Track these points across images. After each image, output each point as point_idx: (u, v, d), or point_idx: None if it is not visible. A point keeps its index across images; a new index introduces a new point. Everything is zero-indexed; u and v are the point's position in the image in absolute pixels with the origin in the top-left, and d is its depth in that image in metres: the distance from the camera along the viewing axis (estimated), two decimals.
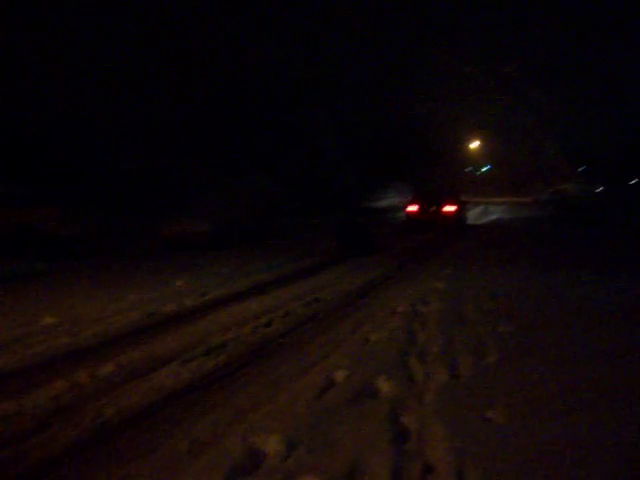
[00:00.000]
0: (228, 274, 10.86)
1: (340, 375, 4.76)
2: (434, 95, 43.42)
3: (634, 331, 5.86)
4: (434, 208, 21.53)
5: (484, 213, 32.38)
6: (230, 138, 28.04)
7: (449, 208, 21.45)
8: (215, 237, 15.13)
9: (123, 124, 23.72)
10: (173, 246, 15.00)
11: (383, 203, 35.00)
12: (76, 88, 21.05)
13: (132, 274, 10.92)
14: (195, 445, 3.61)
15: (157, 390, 4.71)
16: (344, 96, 34.19)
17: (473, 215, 28.93)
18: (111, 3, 22.11)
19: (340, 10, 33.28)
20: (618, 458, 3.15)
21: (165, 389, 4.74)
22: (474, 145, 58.76)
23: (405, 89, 40.60)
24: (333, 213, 26.55)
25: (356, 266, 11.96)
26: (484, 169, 66.03)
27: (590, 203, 23.65)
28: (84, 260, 13.06)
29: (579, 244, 15.42)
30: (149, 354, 5.71)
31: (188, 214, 15.74)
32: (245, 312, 7.61)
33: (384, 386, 4.45)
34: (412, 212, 22.02)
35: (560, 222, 22.88)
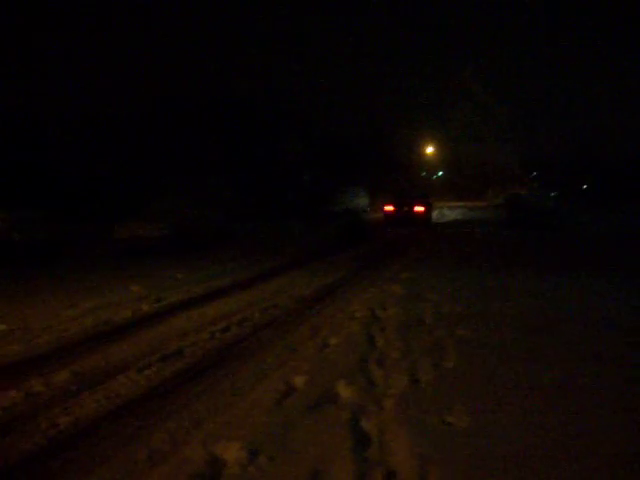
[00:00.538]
0: (184, 279, 10.73)
1: (300, 381, 4.75)
2: (391, 100, 43.87)
3: (590, 333, 6.00)
4: (407, 208, 25.63)
5: (441, 217, 32.78)
6: (186, 143, 27.82)
7: (419, 208, 25.57)
8: (171, 241, 14.96)
9: (75, 126, 23.27)
10: (128, 251, 14.79)
11: (340, 207, 35.03)
12: (26, 88, 20.60)
13: (86, 279, 10.70)
14: (154, 454, 3.55)
15: (113, 398, 4.62)
16: (300, 104, 34.36)
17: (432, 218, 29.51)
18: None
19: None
20: (579, 462, 3.21)
21: (122, 397, 4.65)
22: (430, 150, 59.45)
23: (361, 93, 40.94)
24: (290, 218, 27.25)
25: (312, 270, 11.94)
26: (439, 174, 67.13)
27: (544, 207, 24.13)
28: (35, 266, 12.75)
29: (532, 247, 15.72)
30: (105, 362, 5.60)
31: (143, 218, 15.51)
32: (202, 318, 7.53)
33: (344, 391, 4.45)
34: (389, 211, 26.28)
35: (514, 225, 23.34)
